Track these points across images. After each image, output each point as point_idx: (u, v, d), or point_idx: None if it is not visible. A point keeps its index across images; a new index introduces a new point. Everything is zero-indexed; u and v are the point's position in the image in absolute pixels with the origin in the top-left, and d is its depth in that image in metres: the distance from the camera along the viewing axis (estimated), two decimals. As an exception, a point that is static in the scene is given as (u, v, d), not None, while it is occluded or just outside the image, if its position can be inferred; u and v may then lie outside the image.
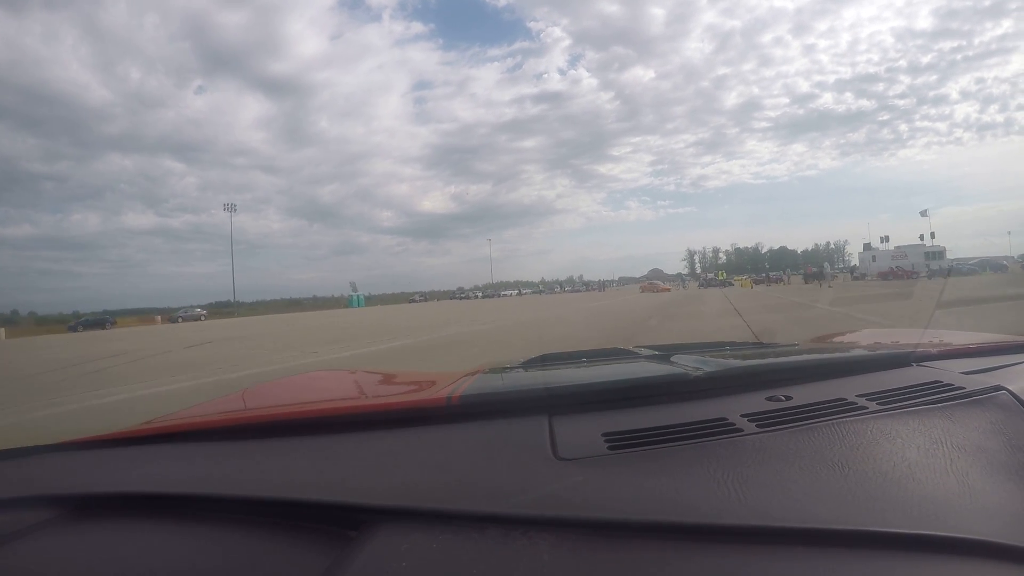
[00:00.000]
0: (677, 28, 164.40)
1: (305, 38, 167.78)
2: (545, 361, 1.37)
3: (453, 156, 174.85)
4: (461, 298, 62.96)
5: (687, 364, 0.92)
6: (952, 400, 0.70)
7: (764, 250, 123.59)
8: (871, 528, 0.45)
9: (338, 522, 0.54)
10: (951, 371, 0.82)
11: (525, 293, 70.35)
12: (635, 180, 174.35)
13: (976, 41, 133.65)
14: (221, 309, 59.84)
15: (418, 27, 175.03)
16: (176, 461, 0.73)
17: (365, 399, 1.10)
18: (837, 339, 1.60)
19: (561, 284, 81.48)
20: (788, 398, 0.74)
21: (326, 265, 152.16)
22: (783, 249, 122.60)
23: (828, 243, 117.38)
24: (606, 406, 0.76)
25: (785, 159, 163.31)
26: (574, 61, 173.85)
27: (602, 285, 59.61)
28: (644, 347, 1.50)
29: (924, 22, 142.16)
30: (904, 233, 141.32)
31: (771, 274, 42.51)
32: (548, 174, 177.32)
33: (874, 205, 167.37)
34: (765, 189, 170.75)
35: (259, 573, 0.52)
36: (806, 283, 37.18)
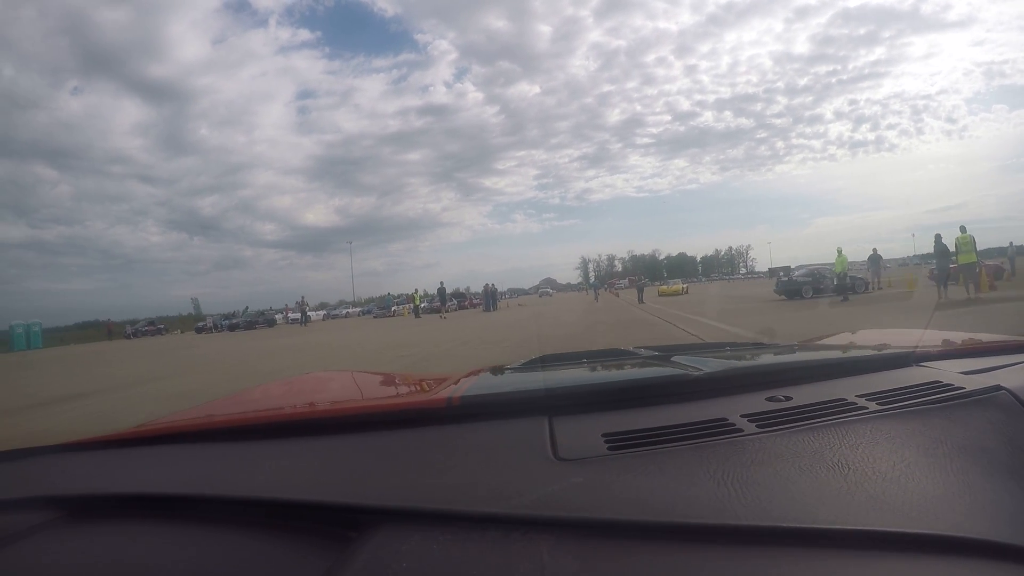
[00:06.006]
0: (563, 45, 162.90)
1: (187, 41, 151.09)
2: (545, 362, 1.36)
3: (337, 168, 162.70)
4: (200, 330, 38.19)
5: (687, 364, 0.92)
6: (952, 400, 0.70)
7: (662, 257, 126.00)
8: (871, 528, 0.45)
9: (338, 523, 0.54)
10: (951, 371, 0.82)
11: (350, 313, 45.64)
12: (520, 193, 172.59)
13: (851, 66, 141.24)
14: None
15: (304, 34, 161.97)
16: (176, 462, 0.73)
17: (365, 400, 1.10)
18: (837, 339, 1.60)
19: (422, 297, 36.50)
20: (788, 398, 0.74)
21: (209, 280, 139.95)
22: (682, 256, 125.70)
23: (730, 248, 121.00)
24: (606, 406, 0.75)
25: (667, 173, 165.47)
26: (460, 75, 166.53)
27: (493, 296, 30.34)
28: (644, 347, 1.49)
29: (802, 47, 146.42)
30: (785, 243, 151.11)
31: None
32: (433, 187, 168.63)
33: (753, 216, 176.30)
34: (648, 202, 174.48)
35: (259, 574, 0.51)
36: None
